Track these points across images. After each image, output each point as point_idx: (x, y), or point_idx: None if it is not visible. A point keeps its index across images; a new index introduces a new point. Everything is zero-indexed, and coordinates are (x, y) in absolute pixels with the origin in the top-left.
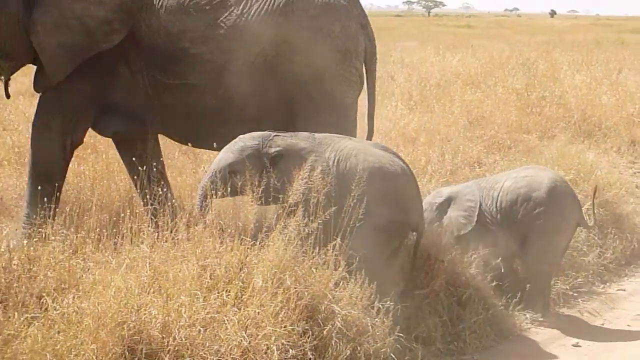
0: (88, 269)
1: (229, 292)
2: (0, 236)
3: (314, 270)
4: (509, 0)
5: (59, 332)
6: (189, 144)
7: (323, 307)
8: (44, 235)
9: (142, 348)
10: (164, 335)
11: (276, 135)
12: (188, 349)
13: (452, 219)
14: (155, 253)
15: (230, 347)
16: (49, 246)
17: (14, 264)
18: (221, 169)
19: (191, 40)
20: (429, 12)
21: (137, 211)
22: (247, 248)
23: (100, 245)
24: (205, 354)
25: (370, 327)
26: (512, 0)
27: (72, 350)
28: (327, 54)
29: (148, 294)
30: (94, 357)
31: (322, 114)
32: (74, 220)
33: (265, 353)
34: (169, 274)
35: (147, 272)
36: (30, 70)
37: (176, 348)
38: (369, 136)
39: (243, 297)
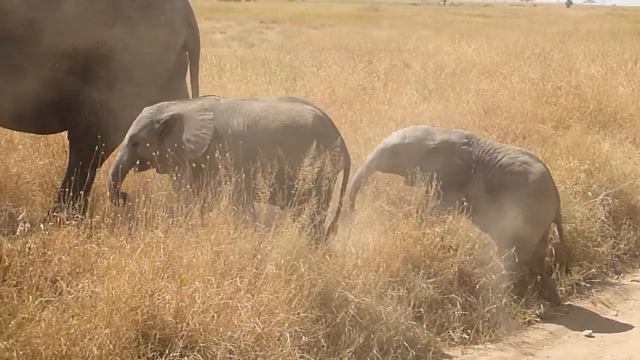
0: (102, 254)
1: (243, 278)
2: (16, 220)
3: (328, 257)
4: None
5: (73, 316)
6: (14, 128)
7: (336, 295)
8: (58, 220)
9: (155, 333)
10: (178, 321)
11: (173, 103)
12: (201, 335)
13: (438, 171)
14: (169, 238)
15: (243, 333)
16: (64, 230)
17: (29, 248)
18: (125, 143)
19: (16, 21)
20: (444, 1)
21: (152, 196)
22: (261, 235)
23: (114, 229)
24: (218, 339)
25: (383, 315)
26: None
27: (86, 334)
28: (150, 44)
29: (162, 279)
30: (108, 341)
31: (146, 100)
32: (89, 205)
33: (279, 339)
34: (183, 259)
35: (161, 257)
36: None
37: (189, 333)
38: None
39: (256, 283)
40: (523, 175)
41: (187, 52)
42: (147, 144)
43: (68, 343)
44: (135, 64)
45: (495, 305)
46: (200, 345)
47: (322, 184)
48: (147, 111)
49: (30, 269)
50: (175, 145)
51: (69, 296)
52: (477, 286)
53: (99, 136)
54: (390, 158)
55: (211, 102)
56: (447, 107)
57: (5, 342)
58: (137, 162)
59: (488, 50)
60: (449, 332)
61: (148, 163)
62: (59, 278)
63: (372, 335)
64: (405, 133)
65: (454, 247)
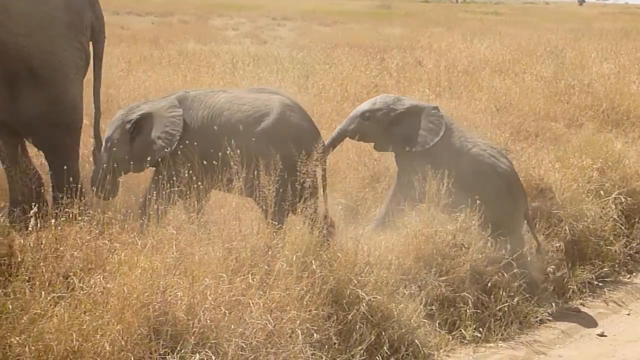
0: (114, 250)
1: (254, 275)
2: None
3: (339, 254)
4: None
5: (85, 312)
6: None
7: (348, 292)
8: (71, 215)
9: (167, 329)
10: (189, 317)
11: (144, 102)
12: (213, 331)
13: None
14: (181, 235)
15: (255, 330)
16: (76, 226)
17: (42, 243)
18: (104, 146)
19: None
20: None
21: (164, 193)
22: (273, 231)
23: (126, 226)
24: (230, 336)
25: (395, 313)
26: None
27: (98, 330)
28: (50, 27)
29: (174, 275)
30: (120, 337)
31: (44, 87)
32: (101, 201)
33: (290, 337)
34: (194, 256)
35: (173, 253)
36: None
37: (201, 330)
38: (96, 117)
39: (268, 280)
40: (492, 168)
41: (92, 41)
42: (121, 144)
43: (80, 339)
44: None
45: (507, 304)
46: (212, 341)
47: (295, 174)
48: (119, 112)
49: (43, 264)
50: (146, 143)
51: (81, 292)
52: (489, 284)
53: None
54: (360, 124)
55: (180, 97)
56: (460, 105)
57: (17, 338)
58: (115, 165)
59: (500, 48)
60: (460, 331)
61: (127, 164)
62: (71, 274)
63: (383, 333)
64: (376, 100)
65: (465, 245)
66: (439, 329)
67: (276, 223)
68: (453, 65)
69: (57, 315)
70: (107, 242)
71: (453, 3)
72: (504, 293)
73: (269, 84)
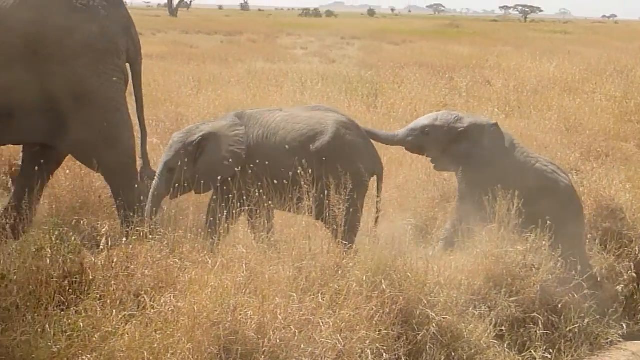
0: (185, 269)
1: (324, 294)
2: (99, 234)
3: (409, 274)
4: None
5: (155, 331)
6: None
7: (418, 312)
8: (141, 234)
9: (237, 348)
10: (259, 336)
11: (203, 123)
12: (283, 351)
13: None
14: (251, 254)
15: (324, 349)
16: (147, 245)
17: (113, 262)
18: (160, 171)
19: None
20: (525, 18)
21: (233, 212)
22: (343, 251)
23: (196, 245)
24: (299, 355)
25: (465, 334)
26: (610, 6)
27: (169, 349)
28: (83, 53)
29: (244, 294)
30: (190, 356)
31: (88, 110)
32: (172, 220)
33: (360, 356)
34: (264, 275)
35: (243, 272)
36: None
37: (271, 349)
38: (143, 137)
39: (338, 299)
40: (556, 183)
41: (129, 64)
42: (183, 168)
43: (151, 357)
44: None
45: (577, 325)
46: None
47: (353, 190)
48: (177, 136)
49: (114, 283)
50: (211, 163)
51: (152, 310)
52: (559, 305)
53: None
54: (419, 138)
55: (240, 116)
56: (529, 125)
57: (89, 356)
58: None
59: (569, 67)
60: (530, 352)
61: (185, 186)
62: (142, 292)
63: (453, 354)
64: (437, 116)
65: (536, 266)
66: (508, 350)
67: (346, 242)
68: (522, 85)
69: (128, 334)
70: (177, 260)
71: (522, 22)
72: (574, 314)
73: (338, 103)
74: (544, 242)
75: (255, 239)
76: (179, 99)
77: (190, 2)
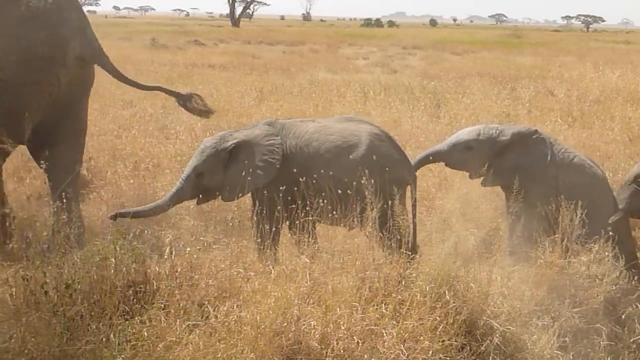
0: (248, 278)
1: (388, 304)
2: (164, 244)
3: (473, 285)
4: None
5: (219, 340)
6: None
7: (481, 323)
8: (205, 244)
9: (300, 358)
10: (323, 347)
11: (236, 131)
12: None
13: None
14: (314, 264)
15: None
16: (211, 254)
17: (177, 272)
18: (188, 174)
19: None
20: (587, 27)
21: (298, 222)
22: (406, 261)
23: (260, 254)
24: None
25: (528, 344)
26: None
27: (232, 358)
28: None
29: (307, 304)
30: None
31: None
32: (235, 229)
33: None
34: (328, 285)
35: (306, 282)
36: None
37: (334, 359)
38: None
39: (401, 310)
40: (596, 176)
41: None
42: (214, 173)
43: None
44: None
45: None
46: None
47: (387, 201)
48: (209, 141)
49: (178, 292)
50: (244, 172)
51: (216, 320)
52: (623, 316)
53: None
54: (462, 153)
55: (271, 125)
56: (592, 135)
57: None
58: (200, 192)
59: (633, 77)
60: None
61: (215, 193)
62: (205, 302)
63: None
64: (479, 130)
65: (599, 277)
66: None
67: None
68: (585, 95)
69: (192, 343)
70: (241, 270)
71: (584, 32)
72: (638, 325)
73: (400, 114)
74: (606, 253)
75: (300, 251)
76: (241, 109)
77: (253, 12)
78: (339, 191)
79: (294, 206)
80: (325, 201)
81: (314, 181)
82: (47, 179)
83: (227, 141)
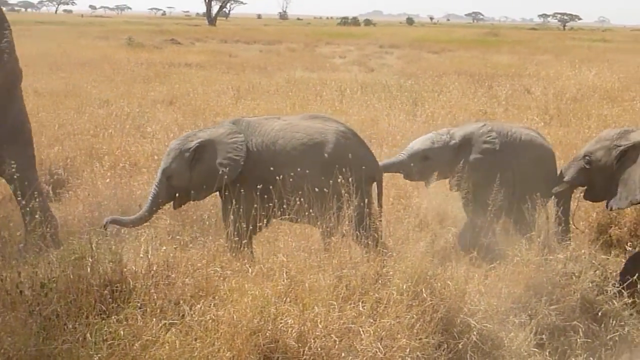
0: (225, 277)
1: (365, 303)
2: (139, 242)
3: (450, 283)
4: None
5: (196, 339)
6: None
7: (459, 320)
8: (182, 243)
9: (278, 357)
10: (300, 345)
11: (200, 130)
12: (323, 359)
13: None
14: (292, 262)
15: (365, 358)
16: (187, 253)
17: (153, 270)
18: (159, 178)
19: None
20: (564, 26)
21: (274, 220)
22: (384, 259)
23: (237, 253)
24: None
25: (505, 342)
26: None
27: (209, 357)
28: None
29: (284, 303)
30: None
31: None
32: (212, 228)
33: None
34: (305, 283)
35: (283, 281)
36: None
37: (312, 358)
38: None
39: (379, 308)
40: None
41: None
42: (181, 174)
43: None
44: None
45: (618, 333)
46: None
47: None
48: (174, 143)
49: (154, 291)
50: (208, 171)
51: (192, 319)
52: (600, 313)
53: None
54: (420, 163)
55: (236, 123)
56: (568, 133)
57: None
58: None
59: (609, 75)
60: None
61: (184, 194)
62: (182, 301)
63: None
64: (432, 138)
65: (576, 274)
66: (549, 358)
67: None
68: (562, 93)
69: (168, 342)
70: (218, 269)
71: (560, 30)
72: (614, 322)
73: (377, 112)
74: (583, 251)
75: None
76: (218, 108)
77: (229, 11)
78: (306, 189)
79: (267, 204)
80: (294, 199)
81: (281, 179)
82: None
83: (191, 141)
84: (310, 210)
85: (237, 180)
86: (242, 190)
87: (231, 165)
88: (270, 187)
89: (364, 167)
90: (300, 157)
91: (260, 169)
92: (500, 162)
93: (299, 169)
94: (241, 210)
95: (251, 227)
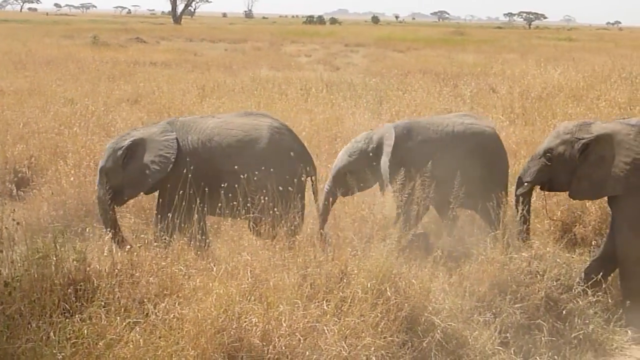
0: (189, 276)
1: (329, 301)
2: (103, 241)
3: (414, 281)
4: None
5: (160, 338)
6: None
7: (423, 319)
8: (146, 242)
9: (242, 356)
10: (264, 344)
11: (134, 129)
12: (288, 358)
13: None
14: (256, 261)
15: (329, 356)
16: (152, 252)
17: (117, 269)
18: (98, 178)
19: None
20: (529, 25)
21: (239, 219)
22: (348, 258)
23: (201, 252)
24: None
25: (470, 340)
26: (614, 13)
27: (173, 356)
28: None
29: (249, 301)
30: None
31: None
32: (176, 227)
33: None
34: (269, 282)
35: (248, 279)
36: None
37: (276, 357)
38: None
39: (343, 307)
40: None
41: None
42: (115, 172)
43: None
44: None
45: (582, 332)
46: None
47: (288, 193)
48: (109, 142)
49: (118, 290)
50: (140, 169)
51: (156, 318)
52: (564, 312)
53: None
54: (343, 184)
55: (171, 123)
56: (534, 132)
57: None
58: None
59: (574, 74)
60: (535, 358)
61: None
62: (146, 299)
63: None
64: (349, 151)
65: (540, 273)
66: (514, 356)
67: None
68: (527, 92)
69: (132, 341)
70: (182, 268)
71: (526, 29)
72: (579, 320)
73: (342, 110)
74: (548, 249)
75: (187, 243)
76: (183, 107)
77: (194, 10)
78: (241, 184)
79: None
80: (230, 195)
81: (216, 175)
82: None
83: (124, 140)
84: (247, 206)
85: (173, 178)
86: (177, 187)
87: (162, 163)
88: (207, 183)
89: (297, 162)
90: (235, 153)
91: (196, 166)
92: (412, 159)
93: (235, 166)
94: (175, 205)
95: (185, 222)
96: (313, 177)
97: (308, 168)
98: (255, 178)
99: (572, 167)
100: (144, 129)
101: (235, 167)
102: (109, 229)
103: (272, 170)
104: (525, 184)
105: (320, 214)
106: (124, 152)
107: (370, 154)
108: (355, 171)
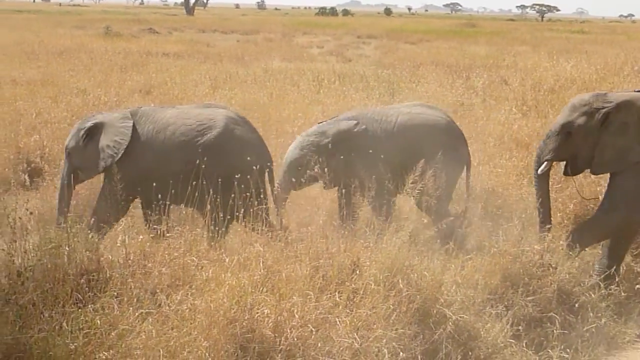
0: (202, 267)
1: (341, 293)
2: (116, 232)
3: (426, 273)
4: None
5: (172, 328)
6: None
7: (435, 311)
8: (159, 232)
9: (254, 347)
10: (276, 335)
11: (100, 112)
12: (299, 349)
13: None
14: (268, 252)
15: (341, 348)
16: (164, 243)
17: (130, 260)
18: (65, 156)
19: None
20: (542, 17)
21: (251, 210)
22: (360, 250)
23: (214, 243)
24: (316, 354)
25: (482, 333)
26: (627, 5)
27: (185, 346)
28: None
29: (261, 292)
30: (207, 354)
31: None
32: (189, 218)
33: (376, 355)
34: (281, 273)
35: (260, 271)
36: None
37: (288, 348)
38: None
39: (355, 298)
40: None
41: None
42: (76, 152)
43: (167, 355)
44: None
45: (594, 325)
46: (299, 359)
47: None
48: (78, 121)
49: (131, 280)
50: (96, 151)
51: (169, 308)
52: (576, 305)
53: None
54: (299, 174)
55: (133, 112)
56: (546, 124)
57: (105, 353)
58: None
59: (587, 66)
60: (547, 351)
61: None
62: (158, 290)
63: (470, 353)
64: (301, 144)
65: (553, 265)
66: (525, 349)
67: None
68: (539, 84)
69: (144, 332)
70: (194, 258)
71: (538, 21)
72: (591, 313)
73: (354, 102)
74: (561, 242)
75: (149, 231)
76: (195, 98)
77: (207, 0)
78: (194, 174)
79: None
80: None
81: (169, 164)
82: None
83: (87, 122)
84: (195, 195)
85: (124, 165)
86: (127, 175)
87: (114, 148)
88: (159, 171)
89: (251, 153)
90: (187, 142)
91: (149, 154)
92: (359, 152)
93: (186, 155)
94: (117, 191)
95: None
96: (268, 168)
97: (262, 159)
98: (203, 166)
99: (593, 139)
100: (108, 113)
101: (186, 155)
102: (58, 202)
103: (220, 159)
104: (545, 162)
105: (275, 204)
106: (84, 133)
107: (323, 148)
108: (307, 165)
